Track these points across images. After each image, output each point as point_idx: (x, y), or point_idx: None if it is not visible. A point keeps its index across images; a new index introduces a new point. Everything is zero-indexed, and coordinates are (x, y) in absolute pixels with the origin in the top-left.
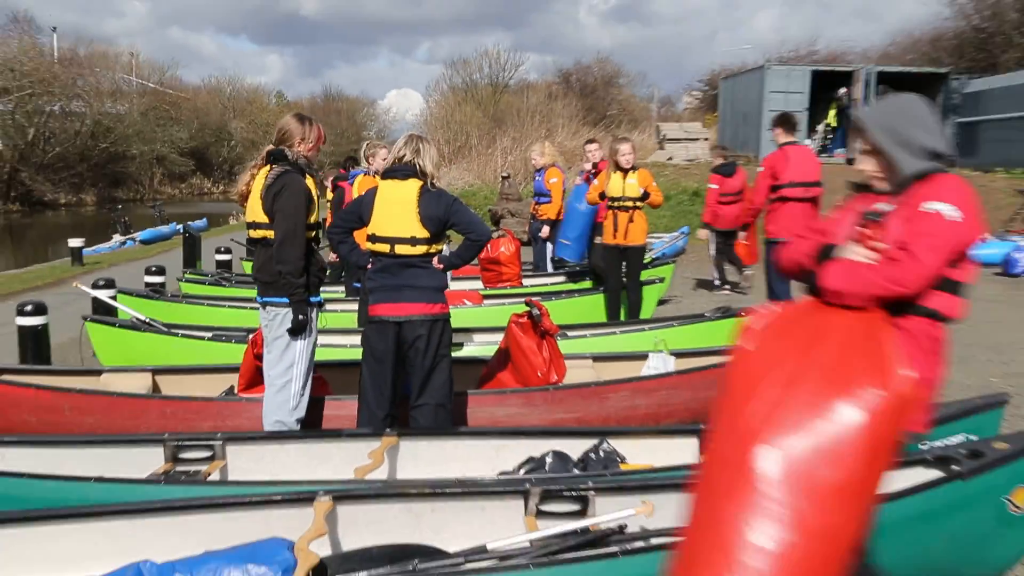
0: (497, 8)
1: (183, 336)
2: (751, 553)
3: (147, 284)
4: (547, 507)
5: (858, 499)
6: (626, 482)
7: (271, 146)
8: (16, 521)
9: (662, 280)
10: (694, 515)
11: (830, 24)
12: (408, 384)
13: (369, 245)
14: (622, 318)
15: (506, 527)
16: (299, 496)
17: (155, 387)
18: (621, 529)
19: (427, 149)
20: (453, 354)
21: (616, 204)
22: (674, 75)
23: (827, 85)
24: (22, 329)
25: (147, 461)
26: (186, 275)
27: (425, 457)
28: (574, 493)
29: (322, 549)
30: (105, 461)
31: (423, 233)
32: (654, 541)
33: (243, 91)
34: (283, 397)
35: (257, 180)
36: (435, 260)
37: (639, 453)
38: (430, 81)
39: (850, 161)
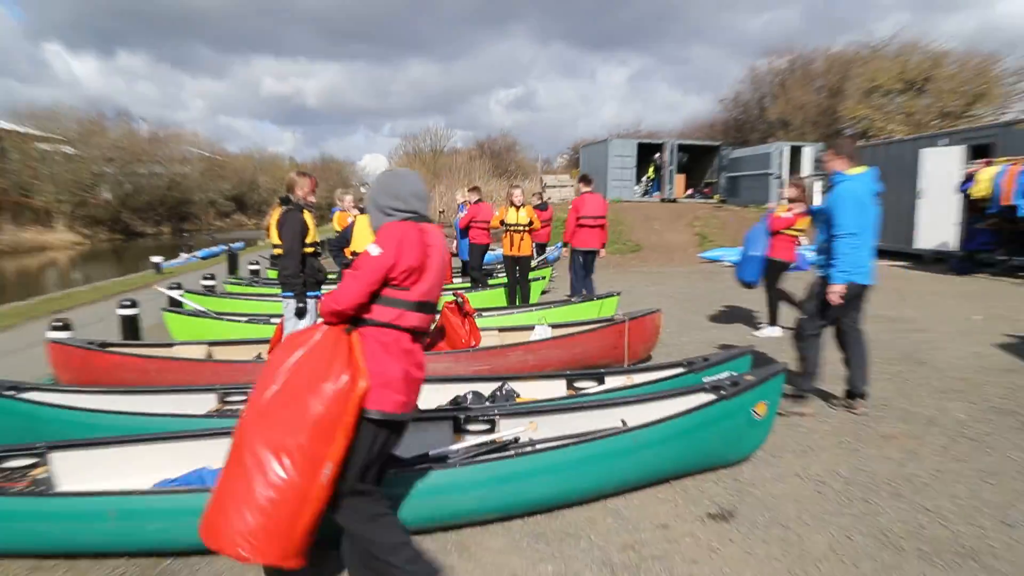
0: (436, 101)
1: (227, 320)
2: (249, 500)
3: (203, 285)
4: (468, 427)
5: (320, 461)
6: (519, 409)
7: (282, 194)
8: (117, 443)
9: (543, 278)
10: (225, 468)
11: (648, 113)
12: None
13: (352, 259)
14: (517, 303)
15: (441, 441)
16: None
17: (209, 355)
18: (516, 440)
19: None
20: None
21: (511, 228)
22: (551, 143)
23: (647, 151)
24: (122, 318)
25: (204, 403)
26: (229, 279)
27: None
28: (485, 417)
29: None
30: (177, 404)
31: None
32: (538, 446)
33: (266, 156)
34: None
35: (273, 216)
36: None
37: (528, 391)
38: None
39: (663, 200)
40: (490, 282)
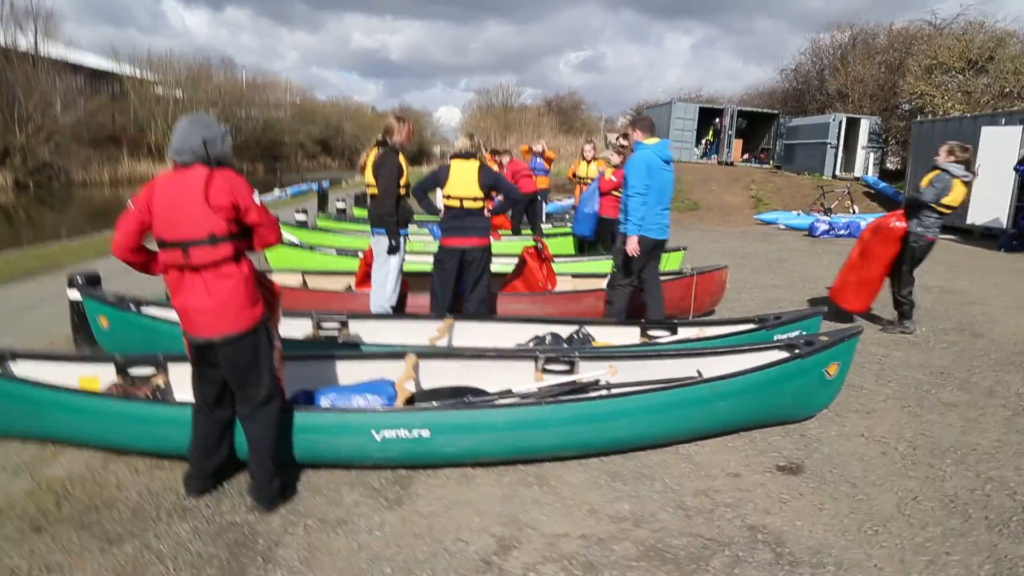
0: (509, 59)
1: (319, 252)
2: None
3: (296, 220)
4: (549, 367)
5: None
6: (598, 353)
7: (379, 136)
8: None
9: None
10: None
11: (709, 80)
12: (463, 286)
13: (446, 201)
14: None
15: (523, 379)
16: (395, 353)
17: (304, 283)
18: (596, 382)
19: (481, 143)
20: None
21: (582, 181)
22: (615, 104)
23: (707, 116)
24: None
25: (302, 328)
26: (319, 215)
27: (472, 332)
28: (566, 358)
29: (411, 387)
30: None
31: (480, 193)
32: (616, 390)
33: (351, 105)
34: (383, 290)
35: (370, 157)
36: (486, 210)
37: (603, 336)
38: (465, 102)
39: (720, 163)
40: (553, 230)
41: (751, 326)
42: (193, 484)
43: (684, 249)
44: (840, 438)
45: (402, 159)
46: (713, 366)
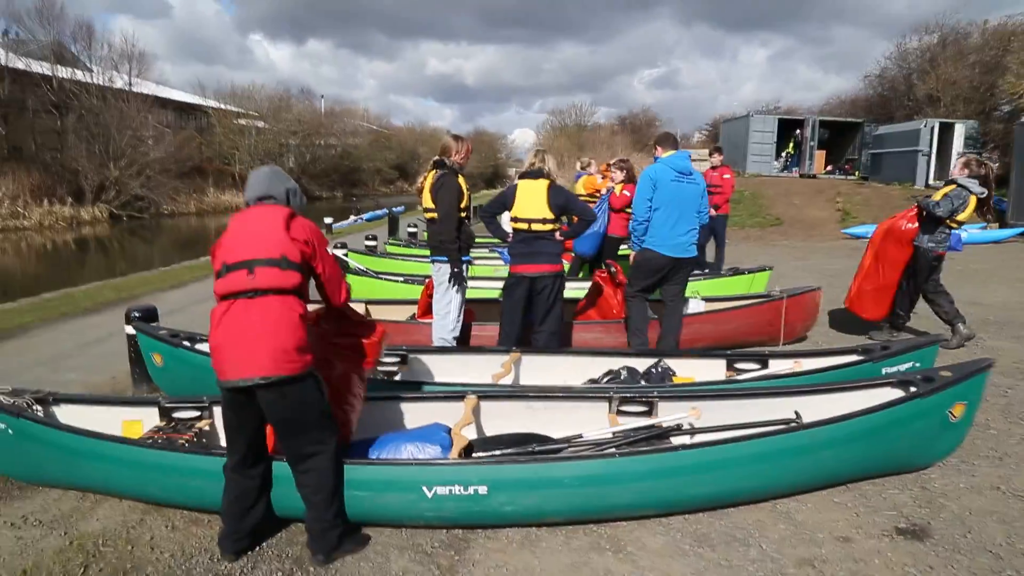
0: (583, 79)
1: (385, 279)
2: None
3: (366, 246)
4: (624, 408)
5: None
6: (680, 391)
7: (436, 157)
8: None
9: None
10: None
11: (787, 92)
12: (532, 317)
13: (513, 224)
14: None
15: (595, 422)
16: (454, 394)
17: (367, 313)
18: (678, 427)
19: (550, 159)
20: None
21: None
22: (690, 120)
23: (787, 128)
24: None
25: None
26: (389, 241)
27: (540, 367)
28: (644, 398)
29: (469, 433)
30: None
31: (550, 215)
32: (702, 436)
33: (427, 130)
34: (445, 322)
35: (427, 179)
36: (557, 234)
37: (685, 370)
38: (538, 123)
39: (801, 176)
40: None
41: (855, 357)
42: (228, 545)
43: (770, 269)
44: (970, 492)
45: (461, 181)
46: (814, 407)
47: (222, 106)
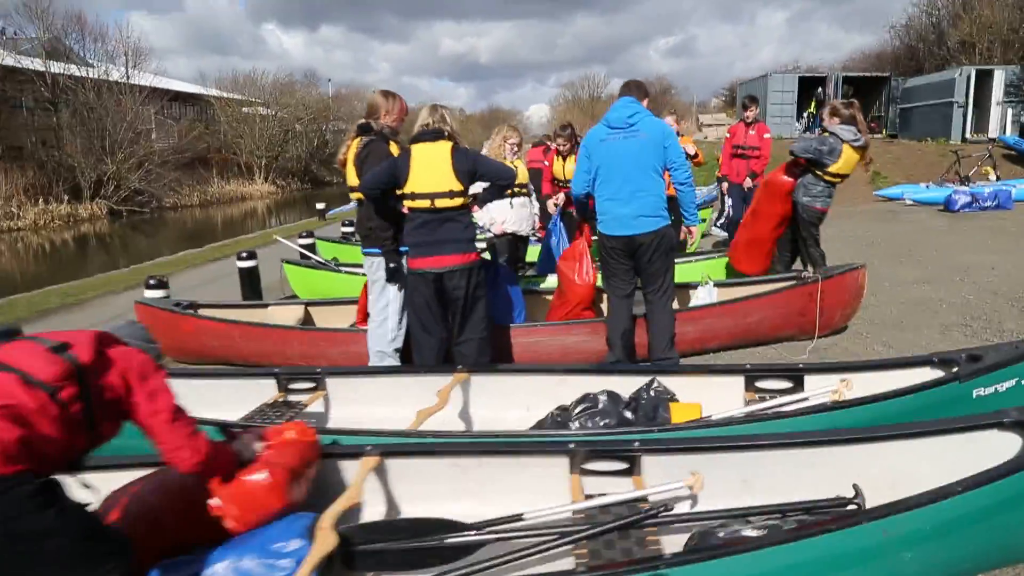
0: (598, 51)
1: (346, 273)
2: None
3: (342, 233)
4: (592, 466)
5: None
6: (675, 440)
7: (362, 120)
8: None
9: (703, 221)
10: None
11: (808, 53)
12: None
13: (408, 203)
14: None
15: (550, 488)
16: (349, 451)
17: (308, 316)
18: (665, 507)
19: (449, 115)
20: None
21: None
22: (708, 87)
23: (808, 86)
24: (240, 271)
25: (262, 393)
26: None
27: (493, 390)
28: (621, 452)
29: (353, 517)
30: (234, 390)
31: (458, 186)
32: (702, 520)
33: None
34: (383, 330)
35: (351, 149)
36: (473, 206)
37: (687, 391)
38: (551, 97)
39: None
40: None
41: (929, 372)
42: None
43: None
44: None
45: (394, 148)
46: (878, 469)
47: (224, 94)
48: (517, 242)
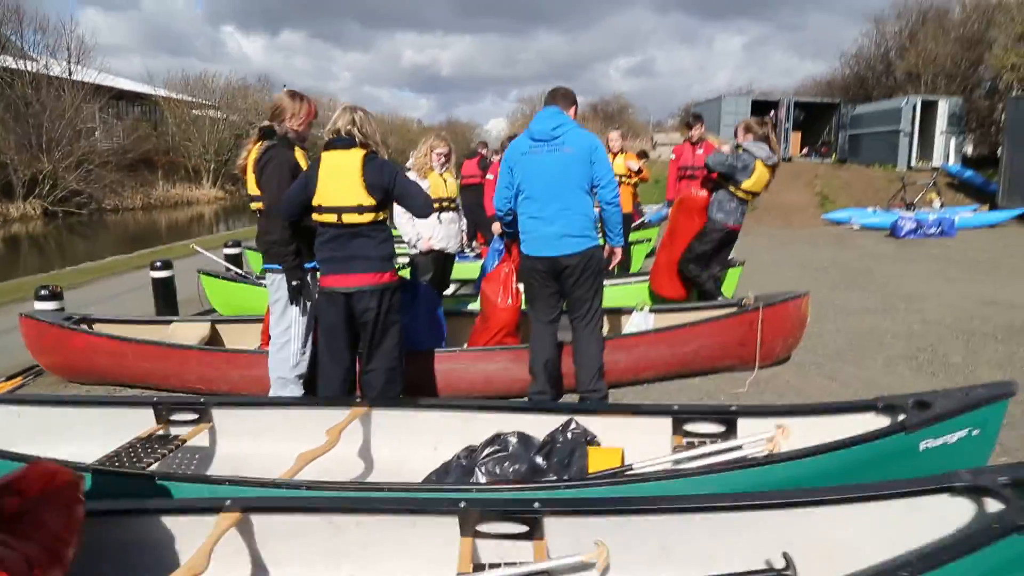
0: (560, 69)
1: (254, 284)
2: None
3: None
4: (487, 527)
5: None
6: (582, 505)
7: (265, 122)
8: None
9: (648, 240)
10: None
11: (763, 79)
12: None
13: (316, 216)
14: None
15: (440, 550)
16: (203, 505)
17: (214, 335)
18: None
19: (366, 119)
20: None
21: None
22: (664, 108)
23: (761, 110)
24: (154, 281)
25: (138, 424)
26: None
27: (398, 427)
28: (520, 515)
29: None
30: (108, 418)
31: (369, 201)
32: None
33: (396, 120)
34: (284, 355)
35: (251, 154)
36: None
37: (610, 433)
38: (509, 112)
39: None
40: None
41: (873, 420)
42: None
43: (740, 264)
44: None
45: (300, 156)
46: (813, 533)
47: (173, 95)
48: (444, 259)
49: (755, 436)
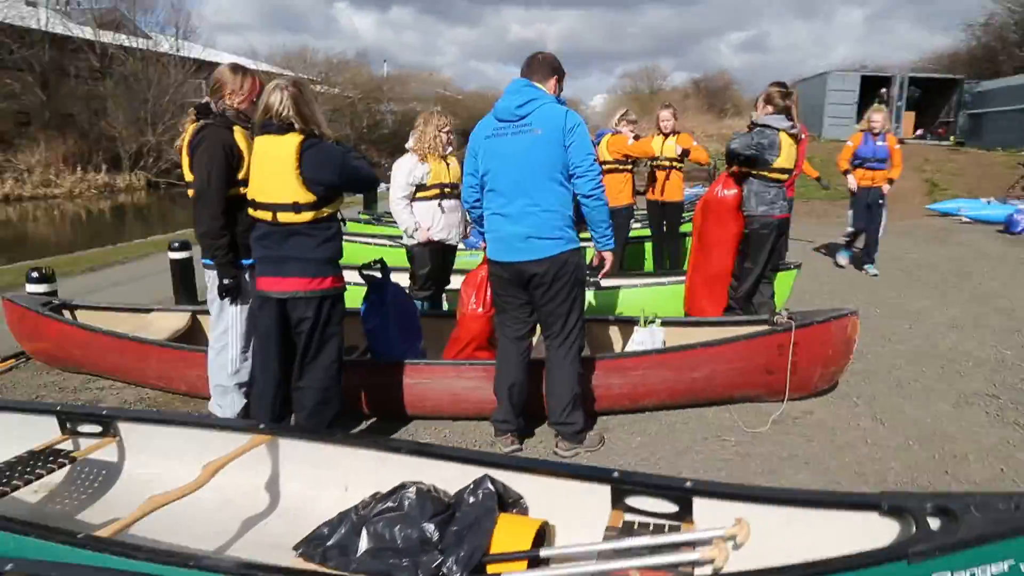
0: (668, 43)
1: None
2: None
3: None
4: None
5: None
6: None
7: (204, 98)
8: None
9: None
10: None
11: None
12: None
13: (251, 212)
14: (666, 265)
15: None
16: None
17: (194, 326)
18: None
19: (301, 98)
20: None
21: (655, 163)
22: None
23: (872, 86)
24: (172, 262)
25: (46, 430)
26: (360, 213)
27: (308, 460)
28: None
29: None
30: (7, 426)
31: (306, 196)
32: None
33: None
34: (222, 361)
35: (186, 135)
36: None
37: (539, 497)
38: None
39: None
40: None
41: (872, 527)
42: None
43: (797, 267)
44: None
45: (239, 136)
46: None
47: (272, 69)
48: (445, 251)
49: (710, 530)
